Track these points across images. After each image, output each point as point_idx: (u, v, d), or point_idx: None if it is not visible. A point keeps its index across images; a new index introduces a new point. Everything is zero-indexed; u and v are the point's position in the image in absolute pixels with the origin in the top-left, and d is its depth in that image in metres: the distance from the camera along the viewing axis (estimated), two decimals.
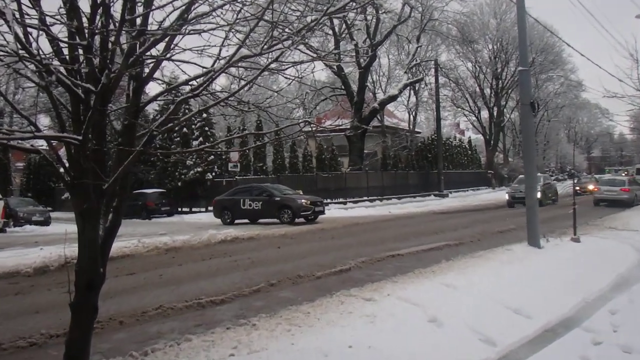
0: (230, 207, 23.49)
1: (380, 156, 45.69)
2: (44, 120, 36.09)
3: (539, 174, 30.86)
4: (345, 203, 33.24)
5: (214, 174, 32.49)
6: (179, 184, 32.73)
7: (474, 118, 60.19)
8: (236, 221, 23.41)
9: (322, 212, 22.85)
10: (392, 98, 39.51)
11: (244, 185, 25.41)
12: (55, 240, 18.05)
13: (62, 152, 4.82)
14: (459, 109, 59.77)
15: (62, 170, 4.64)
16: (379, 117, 46.54)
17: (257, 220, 23.49)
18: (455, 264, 10.53)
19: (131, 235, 19.56)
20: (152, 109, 36.48)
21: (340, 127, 35.99)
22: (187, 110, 32.34)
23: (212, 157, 31.74)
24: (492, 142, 58.59)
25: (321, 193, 30.34)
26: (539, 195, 24.94)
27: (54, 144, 4.63)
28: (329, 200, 31.53)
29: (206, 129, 32.99)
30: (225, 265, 11.89)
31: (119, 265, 12.36)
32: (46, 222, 27.76)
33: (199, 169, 31.99)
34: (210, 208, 32.32)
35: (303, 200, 22.07)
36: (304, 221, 22.19)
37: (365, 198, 36.64)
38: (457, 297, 7.68)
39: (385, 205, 33.53)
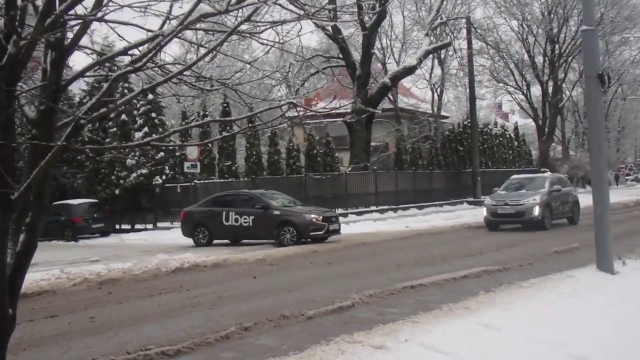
0: (207, 222, 23.48)
1: (394, 150, 45.79)
2: None
3: (545, 174, 28.35)
4: (346, 215, 33.29)
5: (164, 177, 32.47)
6: (117, 191, 32.70)
7: (522, 97, 60.45)
8: (215, 241, 23.52)
9: (338, 231, 22.83)
10: (409, 70, 39.62)
11: (227, 193, 25.36)
12: None
13: None
14: (501, 85, 60.03)
15: None
16: (391, 97, 46.62)
17: (241, 241, 23.58)
18: (498, 297, 10.55)
19: (51, 263, 19.46)
20: (78, 89, 36.54)
21: (338, 111, 36.02)
22: (126, 91, 32.38)
23: (162, 154, 31.72)
24: (546, 129, 58.82)
25: (313, 201, 30.35)
26: (537, 211, 23.46)
27: None
28: None
29: (153, 115, 33.01)
30: (181, 303, 11.87)
31: (35, 305, 12.30)
32: None
33: (144, 171, 31.96)
34: (162, 224, 32.38)
35: (313, 216, 22.01)
36: (309, 242, 22.10)
37: (374, 208, 36.71)
38: (500, 343, 7.70)
39: (400, 218, 33.59)
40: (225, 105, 35.96)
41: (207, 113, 37.40)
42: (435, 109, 51.13)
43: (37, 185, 4.71)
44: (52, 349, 8.89)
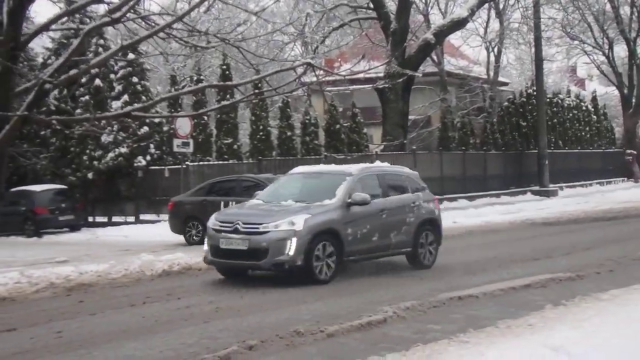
0: (201, 214, 23.59)
1: (438, 125, 45.59)
2: None
3: (347, 168, 17.50)
4: None
5: (148, 158, 32.57)
6: (90, 175, 32.87)
7: (602, 58, 59.91)
8: None
9: None
10: (459, 24, 39.37)
11: (226, 178, 25.46)
12: None
13: None
14: (576, 43, 59.52)
15: None
16: (435, 58, 46.37)
17: None
18: (569, 313, 10.53)
19: (8, 264, 19.58)
20: (41, 47, 36.63)
21: (367, 75, 35.87)
22: (101, 49, 32.50)
23: (146, 128, 31.81)
24: (633, 99, 58.30)
25: None
26: (292, 247, 14.38)
27: None
28: None
29: (134, 80, 33.11)
30: (170, 315, 11.93)
31: None
32: None
33: (124, 150, 32.10)
34: (145, 216, 32.47)
35: None
36: None
37: None
38: None
39: (446, 211, 33.33)
40: (224, 67, 35.99)
41: (202, 77, 37.47)
42: (492, 74, 50.79)
43: None
44: None
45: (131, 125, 30.44)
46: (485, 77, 50.79)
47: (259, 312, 11.83)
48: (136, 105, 6.42)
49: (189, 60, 37.43)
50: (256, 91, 7.74)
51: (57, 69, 4.45)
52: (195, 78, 36.74)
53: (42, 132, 34.73)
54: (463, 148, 42.82)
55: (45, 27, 4.70)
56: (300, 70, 5.30)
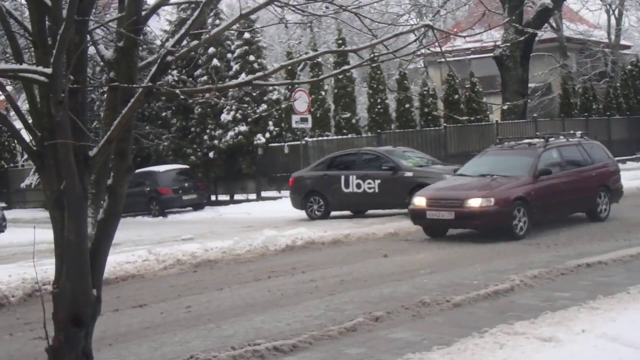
0: (322, 189, 23.78)
1: (559, 92, 44.63)
2: None
3: None
4: None
5: (268, 135, 32.89)
6: (211, 154, 33.40)
7: None
8: (333, 213, 23.95)
9: None
10: None
11: (346, 152, 25.53)
12: (15, 255, 18.92)
13: (23, 99, 5.00)
14: None
15: (23, 128, 4.80)
16: (554, 24, 45.32)
17: (365, 211, 24.05)
18: None
19: (135, 243, 20.16)
20: (159, 30, 37.40)
21: (485, 44, 35.28)
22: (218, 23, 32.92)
23: (265, 107, 32.10)
24: None
25: (455, 160, 30.03)
26: None
27: (7, 85, 4.82)
28: None
29: (251, 59, 33.36)
30: (295, 289, 12.05)
31: (119, 293, 12.78)
32: None
33: (243, 129, 32.48)
34: (266, 193, 32.88)
35: None
36: None
37: None
38: None
39: None
40: (340, 42, 36.01)
41: (316, 50, 37.57)
42: (613, 37, 49.51)
43: (118, 140, 4.81)
44: (142, 344, 9.17)
45: (249, 106, 30.76)
46: (606, 41, 49.55)
47: (384, 283, 11.84)
48: (258, 74, 6.43)
49: (304, 37, 37.55)
50: (374, 55, 7.59)
51: (178, 41, 4.51)
52: (311, 53, 36.92)
53: (164, 114, 35.53)
54: (586, 114, 41.84)
55: (164, 1, 4.80)
56: (419, 31, 5.20)
